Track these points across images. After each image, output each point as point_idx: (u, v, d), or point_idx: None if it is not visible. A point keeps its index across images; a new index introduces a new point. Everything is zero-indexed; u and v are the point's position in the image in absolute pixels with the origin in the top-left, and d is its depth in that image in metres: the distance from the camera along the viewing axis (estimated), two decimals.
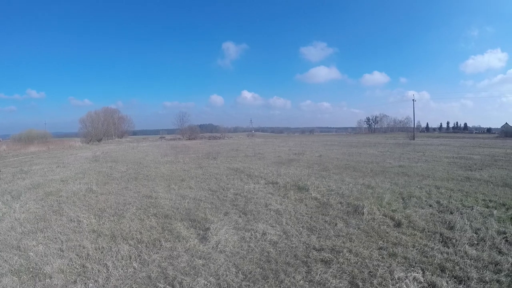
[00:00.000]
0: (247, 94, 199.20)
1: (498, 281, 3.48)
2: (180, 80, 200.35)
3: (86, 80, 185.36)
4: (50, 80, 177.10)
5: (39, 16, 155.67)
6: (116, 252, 4.53)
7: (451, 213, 6.04)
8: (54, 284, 3.69)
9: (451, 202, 6.81)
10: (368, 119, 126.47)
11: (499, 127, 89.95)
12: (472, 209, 6.25)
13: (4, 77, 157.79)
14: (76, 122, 67.37)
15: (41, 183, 10.29)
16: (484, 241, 4.57)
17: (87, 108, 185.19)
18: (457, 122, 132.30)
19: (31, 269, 4.08)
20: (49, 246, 4.81)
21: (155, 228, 5.61)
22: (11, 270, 4.06)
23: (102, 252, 4.56)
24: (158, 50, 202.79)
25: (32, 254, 4.53)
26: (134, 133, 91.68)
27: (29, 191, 8.99)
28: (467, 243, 4.50)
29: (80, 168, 14.32)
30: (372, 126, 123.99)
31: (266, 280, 3.62)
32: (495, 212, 6.01)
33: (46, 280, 3.78)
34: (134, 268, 4.04)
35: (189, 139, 63.55)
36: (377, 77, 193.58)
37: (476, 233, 4.92)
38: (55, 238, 5.17)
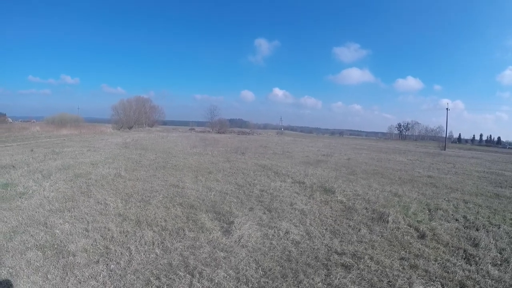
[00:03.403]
0: (278, 92, 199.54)
1: None
2: (211, 74, 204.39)
3: (119, 69, 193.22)
4: (84, 67, 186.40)
5: (76, 3, 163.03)
6: (140, 237, 4.51)
7: (477, 229, 5.75)
8: (77, 262, 3.70)
9: (478, 219, 6.48)
10: (399, 125, 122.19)
11: None
12: (499, 227, 5.91)
13: (39, 61, 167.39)
14: (108, 108, 69.49)
15: (72, 164, 10.58)
16: (508, 262, 4.32)
17: (120, 96, 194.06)
18: (490, 135, 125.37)
19: (55, 246, 4.12)
20: (75, 226, 4.85)
21: (180, 217, 5.56)
22: (36, 245, 4.11)
23: (126, 236, 4.56)
24: (190, 44, 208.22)
25: (58, 231, 4.58)
26: (164, 123, 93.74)
27: (60, 171, 9.23)
28: (490, 263, 4.28)
29: (110, 153, 14.67)
30: (403, 133, 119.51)
31: (285, 279, 3.58)
32: None
33: (70, 257, 3.80)
34: (156, 254, 4.03)
35: (218, 132, 64.18)
36: (411, 82, 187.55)
37: (500, 253, 4.66)
38: (82, 218, 5.21)
